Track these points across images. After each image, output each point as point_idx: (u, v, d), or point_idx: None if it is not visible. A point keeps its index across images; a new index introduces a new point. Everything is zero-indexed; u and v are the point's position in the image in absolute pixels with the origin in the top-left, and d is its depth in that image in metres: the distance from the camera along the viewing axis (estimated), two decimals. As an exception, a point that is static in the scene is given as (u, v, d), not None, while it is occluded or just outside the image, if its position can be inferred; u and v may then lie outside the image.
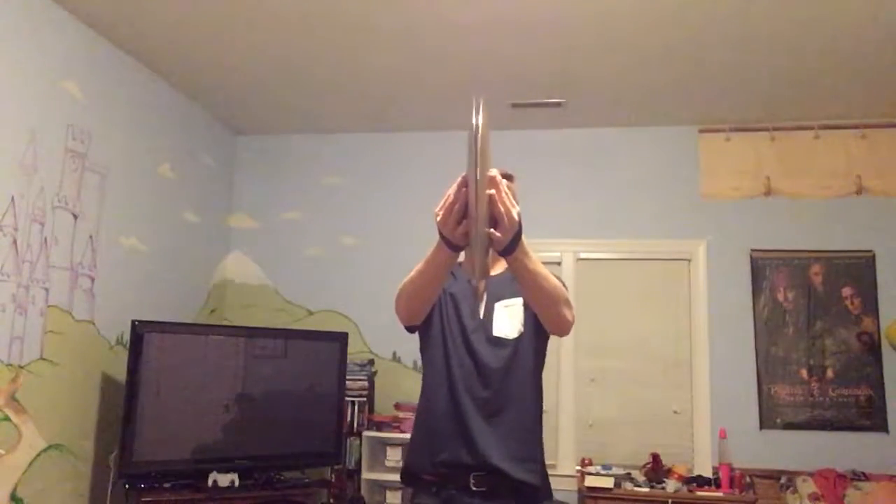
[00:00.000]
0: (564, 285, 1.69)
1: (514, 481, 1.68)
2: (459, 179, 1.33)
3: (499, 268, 1.85)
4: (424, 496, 1.75)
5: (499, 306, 1.78)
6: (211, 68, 3.83)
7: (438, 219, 1.38)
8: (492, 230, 1.35)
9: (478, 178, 1.26)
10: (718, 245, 4.25)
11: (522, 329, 1.76)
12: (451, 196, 1.34)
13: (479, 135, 1.24)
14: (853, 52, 3.38)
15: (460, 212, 1.34)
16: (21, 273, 2.95)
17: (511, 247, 1.39)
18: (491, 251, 1.44)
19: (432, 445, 1.75)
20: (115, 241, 3.59)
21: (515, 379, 1.74)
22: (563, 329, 1.66)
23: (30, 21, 3.01)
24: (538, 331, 1.77)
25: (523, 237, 1.41)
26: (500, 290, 1.79)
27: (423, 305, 1.70)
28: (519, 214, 1.36)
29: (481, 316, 1.78)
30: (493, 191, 1.31)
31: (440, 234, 1.42)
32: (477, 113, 1.24)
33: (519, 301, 1.77)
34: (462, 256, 1.49)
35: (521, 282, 1.53)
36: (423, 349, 1.85)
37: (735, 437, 3.91)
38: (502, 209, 1.32)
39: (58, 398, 3.16)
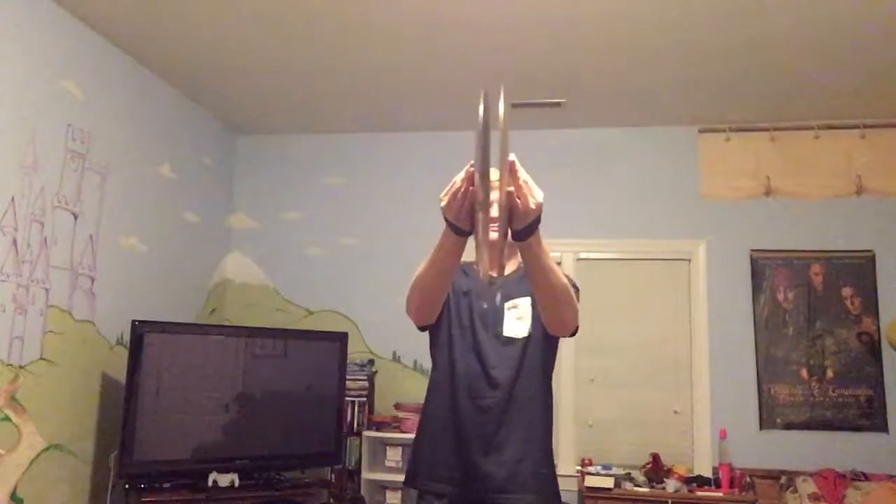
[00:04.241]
0: (576, 287, 1.67)
1: (513, 491, 1.67)
2: (468, 166, 1.33)
3: (509, 267, 1.84)
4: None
5: (508, 305, 1.76)
6: (211, 68, 3.83)
7: (443, 203, 1.37)
8: (517, 201, 1.31)
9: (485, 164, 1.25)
10: (718, 245, 4.25)
11: (531, 329, 1.75)
12: (458, 182, 1.34)
13: (488, 123, 1.24)
14: (853, 52, 3.38)
15: (466, 196, 1.33)
16: (21, 273, 2.95)
17: (524, 233, 1.36)
18: (506, 247, 1.41)
19: (430, 452, 1.74)
20: (115, 241, 3.58)
21: (524, 380, 1.72)
22: (564, 329, 1.64)
23: (30, 21, 3.01)
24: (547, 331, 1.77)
25: (539, 230, 1.39)
26: (510, 290, 1.78)
27: (436, 298, 1.67)
28: (539, 205, 1.33)
29: (494, 306, 1.76)
30: (517, 177, 1.30)
31: (445, 219, 1.40)
32: (484, 105, 1.23)
33: (527, 301, 1.76)
34: (473, 253, 1.48)
35: (530, 274, 1.50)
36: (432, 348, 1.84)
37: (735, 437, 3.91)
38: (520, 194, 1.30)
39: (58, 398, 3.15)
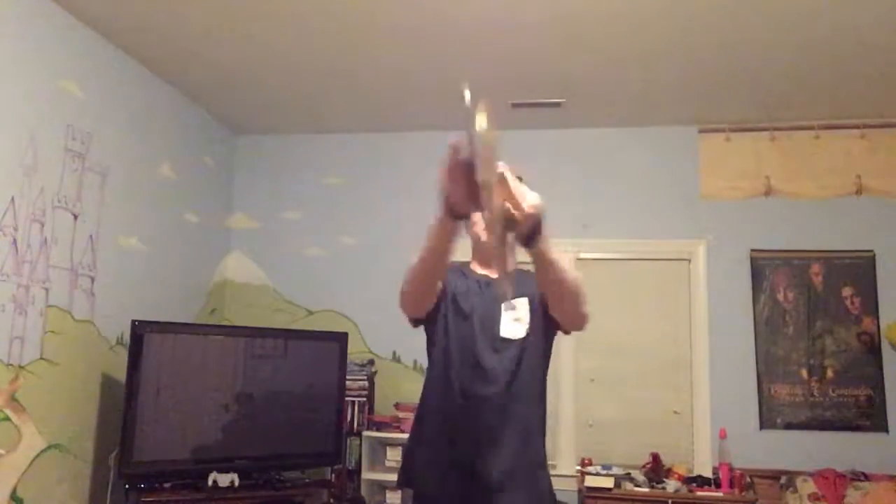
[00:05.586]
0: None
1: (509, 490, 1.66)
2: (449, 148, 1.29)
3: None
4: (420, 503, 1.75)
5: (506, 306, 1.76)
6: (211, 68, 3.83)
7: (444, 185, 1.34)
8: (512, 211, 1.33)
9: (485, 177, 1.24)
10: (718, 245, 4.25)
11: (528, 330, 1.75)
12: (450, 160, 1.30)
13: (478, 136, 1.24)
14: (853, 52, 3.38)
15: (466, 170, 1.26)
16: (21, 273, 2.95)
17: (530, 238, 1.39)
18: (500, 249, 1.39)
19: (425, 452, 1.74)
20: (115, 241, 3.58)
21: (520, 381, 1.72)
22: (579, 324, 1.67)
23: (30, 21, 3.01)
24: (545, 331, 1.76)
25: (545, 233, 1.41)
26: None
27: (432, 287, 1.66)
28: (534, 207, 1.35)
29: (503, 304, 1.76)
30: (511, 183, 1.32)
31: (444, 202, 1.38)
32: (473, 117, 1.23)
33: (524, 301, 1.76)
34: (469, 254, 1.45)
35: (542, 274, 1.52)
36: (428, 347, 1.83)
37: (735, 437, 3.90)
38: (513, 202, 1.32)
39: (58, 398, 3.15)
